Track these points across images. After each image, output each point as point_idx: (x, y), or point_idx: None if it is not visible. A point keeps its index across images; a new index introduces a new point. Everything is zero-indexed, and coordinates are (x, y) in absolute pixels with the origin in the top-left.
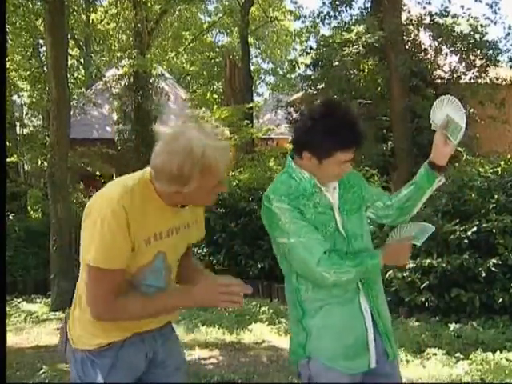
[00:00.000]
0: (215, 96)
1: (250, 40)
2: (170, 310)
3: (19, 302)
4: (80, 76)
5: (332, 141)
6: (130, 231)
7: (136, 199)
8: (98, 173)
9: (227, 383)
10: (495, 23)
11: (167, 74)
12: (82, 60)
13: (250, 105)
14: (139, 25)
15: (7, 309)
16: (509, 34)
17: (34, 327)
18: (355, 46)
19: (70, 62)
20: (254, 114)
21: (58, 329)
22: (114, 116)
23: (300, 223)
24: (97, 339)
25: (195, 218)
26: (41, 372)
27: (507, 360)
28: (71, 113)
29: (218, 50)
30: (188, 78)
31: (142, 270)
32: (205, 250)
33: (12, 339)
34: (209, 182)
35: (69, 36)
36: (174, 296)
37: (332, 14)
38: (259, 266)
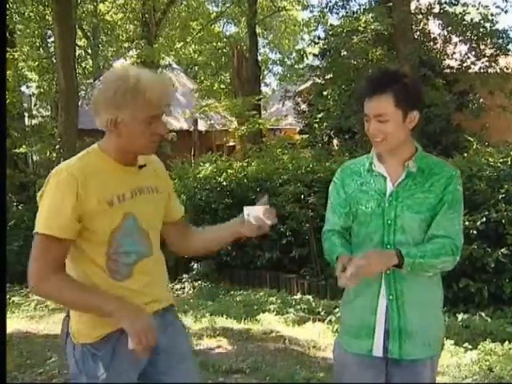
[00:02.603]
0: (223, 86)
1: (258, 30)
2: (103, 313)
3: (29, 292)
4: (88, 66)
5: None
6: (81, 197)
7: (88, 166)
8: None
9: (235, 372)
10: (506, 12)
11: (175, 65)
12: (89, 50)
13: (259, 96)
14: (147, 15)
15: (17, 298)
16: None
17: (44, 316)
18: (364, 35)
19: (77, 53)
20: (261, 104)
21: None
22: None
23: (334, 194)
24: (95, 331)
25: (163, 184)
26: (51, 360)
27: None
28: (79, 103)
29: (225, 40)
30: (196, 68)
31: (114, 235)
32: None
33: (22, 328)
34: (143, 112)
35: (76, 26)
36: (110, 302)
37: (340, 3)
38: (267, 256)
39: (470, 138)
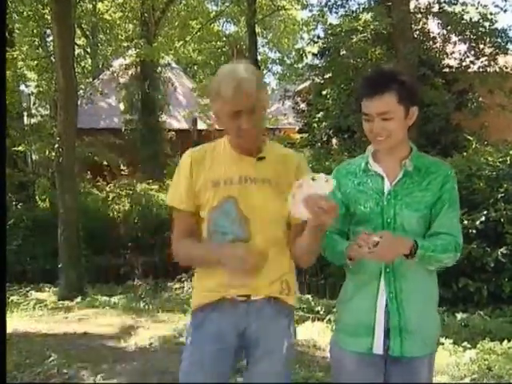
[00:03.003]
0: None
1: (257, 29)
2: (210, 262)
3: (28, 291)
4: (87, 66)
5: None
6: (193, 176)
7: (208, 151)
8: (105, 162)
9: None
10: (505, 11)
11: (174, 64)
12: (88, 49)
13: None
14: (146, 14)
15: (16, 297)
16: None
17: (42, 316)
18: (363, 34)
19: (76, 52)
20: None
21: (66, 318)
22: (121, 106)
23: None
24: (195, 300)
25: (283, 181)
26: (50, 360)
27: None
28: (78, 102)
29: (225, 39)
30: (195, 67)
31: (212, 214)
32: None
33: (21, 327)
34: (224, 107)
35: (75, 25)
36: (216, 250)
37: (339, 2)
38: None
39: (469, 137)
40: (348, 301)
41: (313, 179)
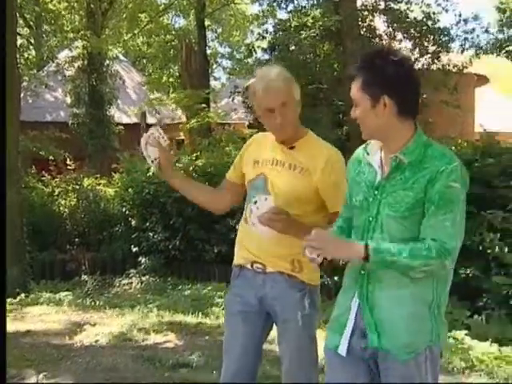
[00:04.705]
0: (172, 79)
1: (207, 23)
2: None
3: None
4: (31, 57)
5: None
6: (244, 155)
7: (259, 138)
8: (51, 157)
9: (182, 366)
10: (446, 11)
11: (122, 57)
12: (32, 40)
13: (208, 90)
14: (92, 5)
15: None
16: (459, 21)
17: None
18: (312, 30)
19: (19, 42)
20: (210, 98)
21: (8, 316)
22: (68, 99)
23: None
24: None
25: (309, 171)
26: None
27: (455, 339)
28: (22, 95)
29: (174, 32)
30: (144, 60)
31: (249, 185)
32: (161, 235)
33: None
34: (260, 105)
35: (17, 14)
36: None
37: None
38: (215, 250)
39: None
40: (338, 297)
41: (255, 202)
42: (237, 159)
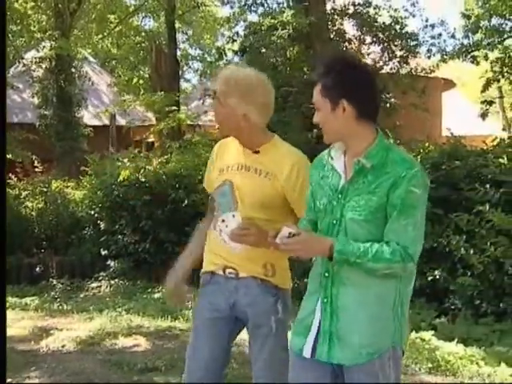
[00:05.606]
0: (142, 81)
1: (178, 25)
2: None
3: None
4: None
5: None
6: (215, 163)
7: (225, 145)
8: (18, 159)
9: (150, 370)
10: (414, 16)
11: (91, 58)
12: None
13: (178, 93)
14: (60, 5)
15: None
16: (426, 26)
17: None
18: (283, 31)
19: None
20: (181, 100)
21: None
22: (35, 100)
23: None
24: (204, 267)
25: (281, 175)
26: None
27: (422, 340)
28: None
29: (144, 34)
30: (113, 62)
31: (216, 191)
32: (130, 238)
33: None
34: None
35: None
36: None
37: (259, 1)
38: None
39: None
40: (303, 300)
41: (223, 221)
42: (208, 173)
